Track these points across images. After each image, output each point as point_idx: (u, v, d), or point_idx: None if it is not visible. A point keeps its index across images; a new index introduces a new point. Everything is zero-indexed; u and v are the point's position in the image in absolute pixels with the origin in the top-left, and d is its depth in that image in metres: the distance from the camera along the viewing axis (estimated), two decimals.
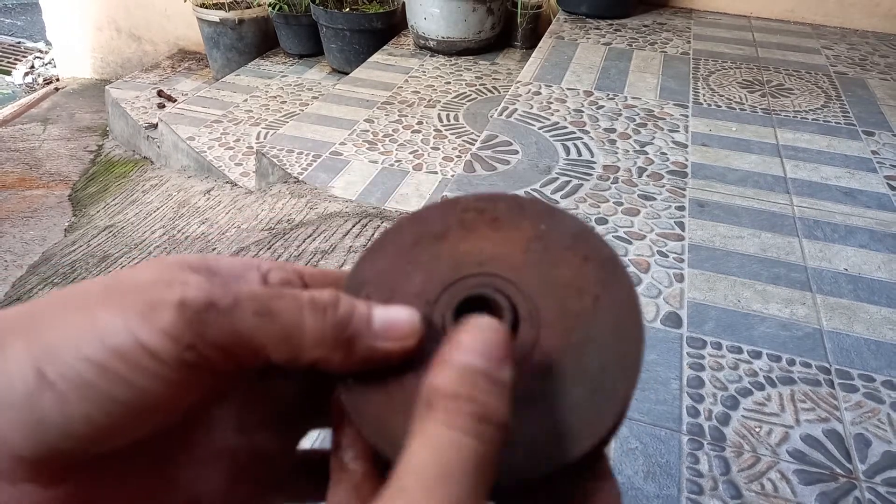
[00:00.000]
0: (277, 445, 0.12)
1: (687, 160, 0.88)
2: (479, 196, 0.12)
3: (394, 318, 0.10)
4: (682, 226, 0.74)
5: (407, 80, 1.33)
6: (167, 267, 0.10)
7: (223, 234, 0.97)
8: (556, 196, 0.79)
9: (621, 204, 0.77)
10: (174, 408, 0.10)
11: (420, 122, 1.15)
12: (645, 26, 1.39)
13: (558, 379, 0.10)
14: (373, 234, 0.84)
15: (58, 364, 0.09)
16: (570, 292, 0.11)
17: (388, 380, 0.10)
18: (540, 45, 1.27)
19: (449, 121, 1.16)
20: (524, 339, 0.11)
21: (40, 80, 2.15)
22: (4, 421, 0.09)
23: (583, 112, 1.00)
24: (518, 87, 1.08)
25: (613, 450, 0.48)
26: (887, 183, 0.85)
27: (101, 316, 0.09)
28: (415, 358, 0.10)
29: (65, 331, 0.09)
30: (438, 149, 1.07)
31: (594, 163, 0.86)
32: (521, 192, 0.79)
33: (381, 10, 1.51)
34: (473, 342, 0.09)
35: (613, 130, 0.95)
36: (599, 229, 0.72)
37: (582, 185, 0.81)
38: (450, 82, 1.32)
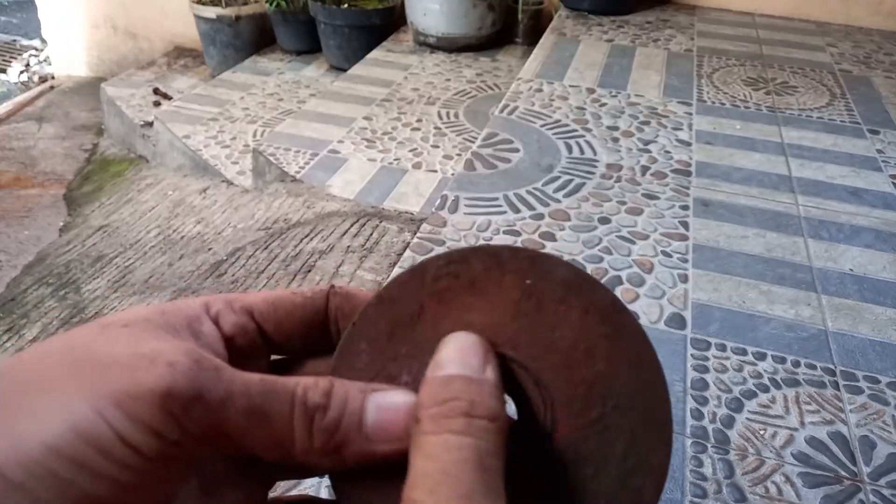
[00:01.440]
0: (246, 499, 0.11)
1: (691, 159, 0.87)
2: (447, 257, 0.11)
3: (389, 416, 0.09)
4: (686, 225, 0.73)
5: (406, 77, 1.31)
6: (143, 331, 0.09)
7: (219, 233, 0.96)
8: (559, 195, 0.78)
9: (624, 203, 0.76)
10: (150, 497, 0.09)
11: (419, 120, 1.14)
12: (648, 23, 1.38)
13: (584, 467, 0.09)
14: (371, 234, 0.83)
15: (24, 461, 0.08)
16: (577, 357, 0.10)
17: (382, 479, 0.09)
18: (541, 41, 1.26)
19: (449, 118, 1.15)
20: (540, 427, 0.09)
21: (35, 78, 2.13)
22: None
23: (585, 110, 0.99)
24: (519, 85, 1.07)
25: None
26: (892, 182, 0.84)
27: (72, 400, 0.08)
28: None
29: (29, 421, 0.08)
30: (438, 147, 1.06)
31: (597, 161, 0.85)
32: (522, 191, 0.78)
33: (380, 7, 1.49)
34: (448, 355, 0.09)
35: (616, 128, 0.94)
36: (602, 229, 0.72)
37: (584, 183, 0.80)
38: (450, 79, 1.31)
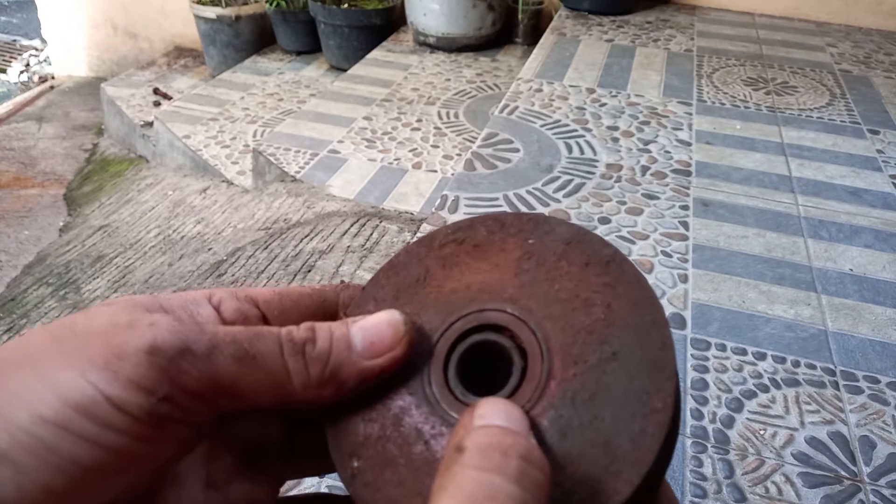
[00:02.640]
0: (254, 497, 0.11)
1: (691, 158, 0.87)
2: (454, 225, 0.11)
3: (374, 332, 0.09)
4: (686, 225, 0.73)
5: (406, 77, 1.31)
6: (122, 308, 0.09)
7: (219, 233, 0.96)
8: (559, 195, 0.78)
9: (624, 203, 0.76)
10: (144, 467, 0.09)
11: (419, 120, 1.14)
12: (648, 23, 1.38)
13: (581, 412, 0.09)
14: (371, 234, 0.83)
15: (9, 431, 0.07)
16: (576, 306, 0.10)
17: (397, 459, 0.09)
18: (541, 41, 1.25)
19: (449, 118, 1.15)
20: (536, 376, 0.09)
21: (35, 78, 2.13)
22: None
23: (585, 109, 0.99)
24: (519, 84, 1.06)
25: None
26: (892, 182, 0.84)
27: (56, 370, 0.08)
28: (423, 431, 0.09)
29: (13, 393, 0.08)
30: (438, 147, 1.06)
31: (597, 161, 0.85)
32: (522, 191, 0.78)
33: (380, 7, 1.49)
34: (492, 410, 0.08)
35: (616, 128, 0.94)
36: (602, 229, 0.72)
37: (584, 183, 0.80)
38: (450, 79, 1.31)
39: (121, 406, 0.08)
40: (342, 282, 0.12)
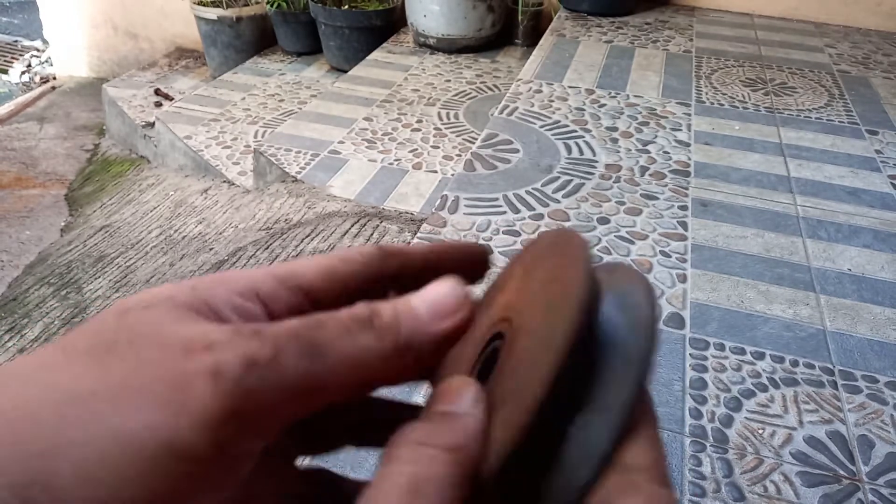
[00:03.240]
0: (266, 474, 0.10)
1: (690, 159, 0.87)
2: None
3: (435, 299, 0.09)
4: (684, 225, 0.73)
5: (406, 78, 1.31)
6: (168, 316, 0.08)
7: (220, 233, 0.96)
8: (558, 195, 0.78)
9: (623, 203, 0.77)
10: (221, 486, 0.08)
11: (420, 121, 1.14)
12: (647, 24, 1.38)
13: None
14: (371, 234, 0.83)
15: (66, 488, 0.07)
16: (549, 288, 0.10)
17: None
18: (541, 42, 1.26)
19: (449, 119, 1.16)
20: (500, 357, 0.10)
21: (37, 79, 2.13)
22: None
23: (584, 110, 1.00)
24: (519, 85, 1.07)
25: None
26: (891, 182, 0.84)
27: (110, 412, 0.07)
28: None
29: (71, 455, 0.07)
30: (438, 147, 1.07)
31: (596, 162, 0.86)
32: (522, 192, 0.78)
33: (380, 8, 1.50)
34: (440, 390, 0.09)
35: (615, 129, 0.95)
36: (601, 229, 0.72)
37: (584, 184, 0.80)
38: (450, 80, 1.31)
39: (189, 449, 0.07)
40: (379, 247, 0.11)
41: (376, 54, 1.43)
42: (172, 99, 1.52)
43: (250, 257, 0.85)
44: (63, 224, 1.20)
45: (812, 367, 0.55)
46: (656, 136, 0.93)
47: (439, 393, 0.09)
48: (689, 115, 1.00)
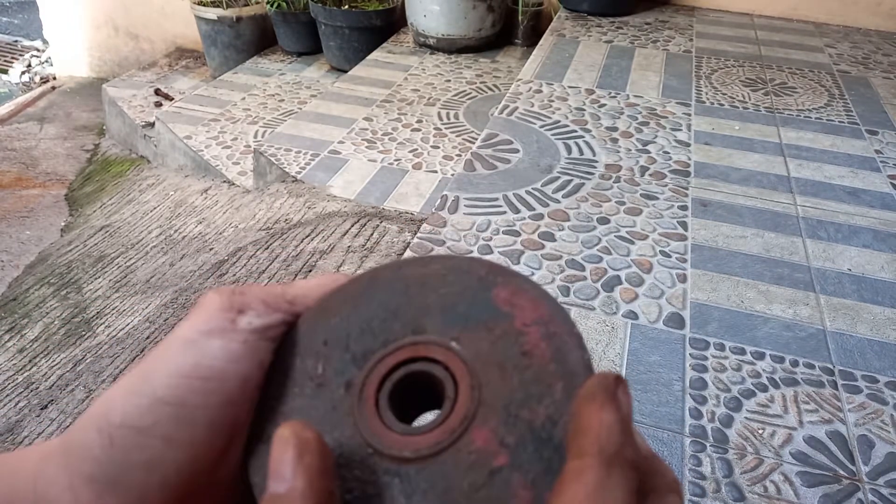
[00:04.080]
0: None
1: (689, 159, 0.87)
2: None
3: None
4: (684, 225, 0.73)
5: (406, 78, 1.32)
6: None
7: (220, 233, 0.96)
8: (558, 195, 0.78)
9: (623, 203, 0.77)
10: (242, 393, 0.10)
11: (420, 121, 1.14)
12: (647, 24, 1.38)
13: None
14: (371, 234, 0.83)
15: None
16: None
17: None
18: (541, 42, 1.26)
19: (449, 119, 1.16)
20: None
21: (37, 79, 2.13)
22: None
23: (584, 110, 1.00)
24: (519, 85, 1.07)
25: None
26: (891, 182, 0.84)
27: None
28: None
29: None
30: (438, 147, 1.07)
31: (596, 162, 0.86)
32: (522, 192, 0.78)
33: (381, 8, 1.50)
34: (271, 467, 0.09)
35: (615, 129, 0.95)
36: (601, 229, 0.72)
37: (584, 184, 0.80)
38: (450, 80, 1.31)
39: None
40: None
41: (376, 54, 1.44)
42: (172, 99, 1.52)
43: (250, 257, 0.85)
44: (63, 224, 1.20)
45: (812, 367, 0.55)
46: (656, 136, 0.93)
47: (270, 464, 0.09)
48: (689, 115, 1.00)
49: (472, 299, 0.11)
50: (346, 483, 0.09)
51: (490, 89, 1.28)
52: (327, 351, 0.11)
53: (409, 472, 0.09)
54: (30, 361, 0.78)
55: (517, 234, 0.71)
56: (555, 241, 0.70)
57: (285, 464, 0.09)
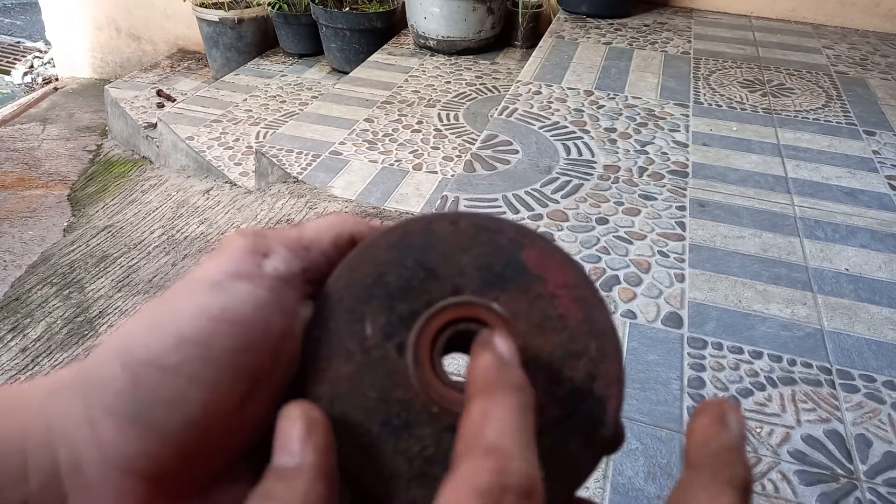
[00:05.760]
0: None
1: (688, 160, 0.88)
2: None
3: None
4: (682, 226, 0.73)
5: (407, 80, 1.32)
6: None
7: (222, 233, 0.97)
8: (557, 196, 0.78)
9: (622, 204, 0.77)
10: (268, 344, 0.10)
11: (420, 122, 1.15)
12: (645, 26, 1.39)
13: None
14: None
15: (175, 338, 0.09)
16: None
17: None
18: (540, 44, 1.27)
19: (449, 120, 1.16)
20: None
21: (39, 80, 2.14)
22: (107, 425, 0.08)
23: (583, 111, 1.00)
24: (518, 87, 1.08)
25: None
26: (888, 183, 0.84)
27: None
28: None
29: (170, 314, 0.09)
30: (438, 148, 1.07)
31: (595, 162, 0.86)
32: (521, 192, 0.79)
33: (381, 10, 1.51)
34: (276, 442, 0.09)
35: (614, 130, 0.95)
36: (599, 229, 0.72)
37: (582, 184, 0.81)
38: (450, 82, 1.32)
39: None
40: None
41: (377, 56, 1.44)
42: (174, 100, 1.52)
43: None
44: (66, 224, 1.20)
45: (810, 366, 0.55)
46: (654, 137, 0.93)
47: (276, 438, 0.09)
48: (688, 116, 1.00)
49: (505, 260, 0.11)
50: (420, 441, 0.10)
51: (490, 91, 1.28)
52: (372, 311, 0.11)
53: None
54: (32, 361, 0.78)
55: None
56: (554, 241, 0.70)
57: (294, 439, 0.09)
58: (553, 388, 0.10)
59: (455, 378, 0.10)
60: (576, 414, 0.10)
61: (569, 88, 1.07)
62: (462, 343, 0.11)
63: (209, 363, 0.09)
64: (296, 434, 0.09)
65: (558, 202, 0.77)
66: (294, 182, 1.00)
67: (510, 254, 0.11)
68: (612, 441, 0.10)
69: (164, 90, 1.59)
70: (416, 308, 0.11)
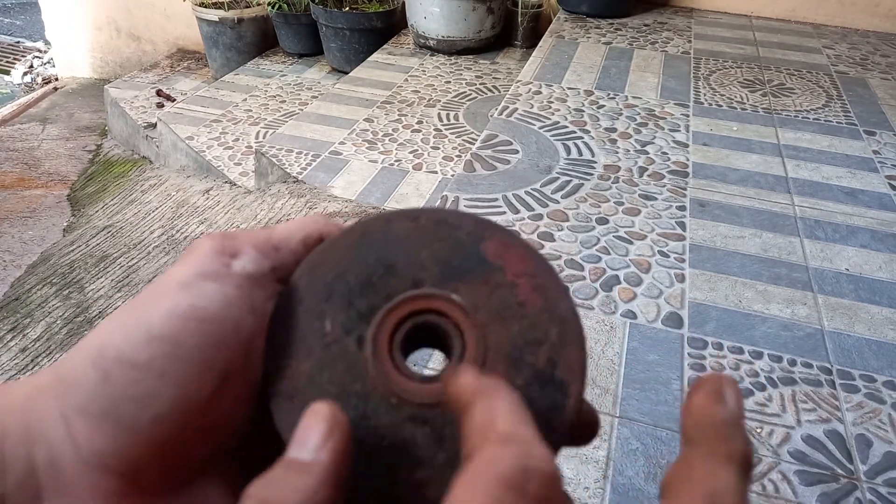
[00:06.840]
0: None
1: (688, 160, 0.88)
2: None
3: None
4: (683, 226, 0.73)
5: (407, 80, 1.32)
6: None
7: None
8: (557, 196, 0.78)
9: (622, 204, 0.77)
10: (238, 337, 0.10)
11: (420, 122, 1.15)
12: (645, 25, 1.39)
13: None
14: None
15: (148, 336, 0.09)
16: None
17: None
18: (540, 44, 1.27)
19: (449, 120, 1.16)
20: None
21: (39, 80, 2.14)
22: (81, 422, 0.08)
23: (583, 111, 1.00)
24: (518, 87, 1.08)
25: (614, 450, 0.48)
26: (888, 183, 0.84)
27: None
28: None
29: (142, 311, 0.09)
30: (438, 148, 1.07)
31: (595, 162, 0.86)
32: (521, 192, 0.79)
33: (381, 9, 1.51)
34: (295, 435, 0.09)
35: (614, 130, 0.95)
36: (600, 229, 0.72)
37: (583, 184, 0.81)
38: (450, 81, 1.32)
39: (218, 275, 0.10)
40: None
41: (377, 56, 1.44)
42: (174, 100, 1.52)
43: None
44: (65, 224, 1.20)
45: (810, 366, 0.55)
46: (655, 137, 0.93)
47: (297, 431, 0.09)
48: (688, 116, 1.00)
49: (464, 253, 0.11)
50: (377, 431, 0.10)
51: (490, 91, 1.28)
52: (332, 308, 0.11)
53: (435, 416, 0.10)
54: (32, 361, 0.78)
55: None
56: (554, 241, 0.70)
57: (314, 436, 0.09)
58: (514, 375, 0.10)
59: (416, 369, 0.10)
60: (536, 400, 0.10)
61: (569, 88, 1.07)
62: (427, 337, 0.11)
63: (179, 359, 0.09)
64: (317, 431, 0.09)
65: (558, 202, 0.77)
66: (294, 182, 1.00)
67: (469, 246, 0.11)
68: (583, 429, 0.10)
69: (164, 90, 1.59)
70: (376, 303, 0.11)
